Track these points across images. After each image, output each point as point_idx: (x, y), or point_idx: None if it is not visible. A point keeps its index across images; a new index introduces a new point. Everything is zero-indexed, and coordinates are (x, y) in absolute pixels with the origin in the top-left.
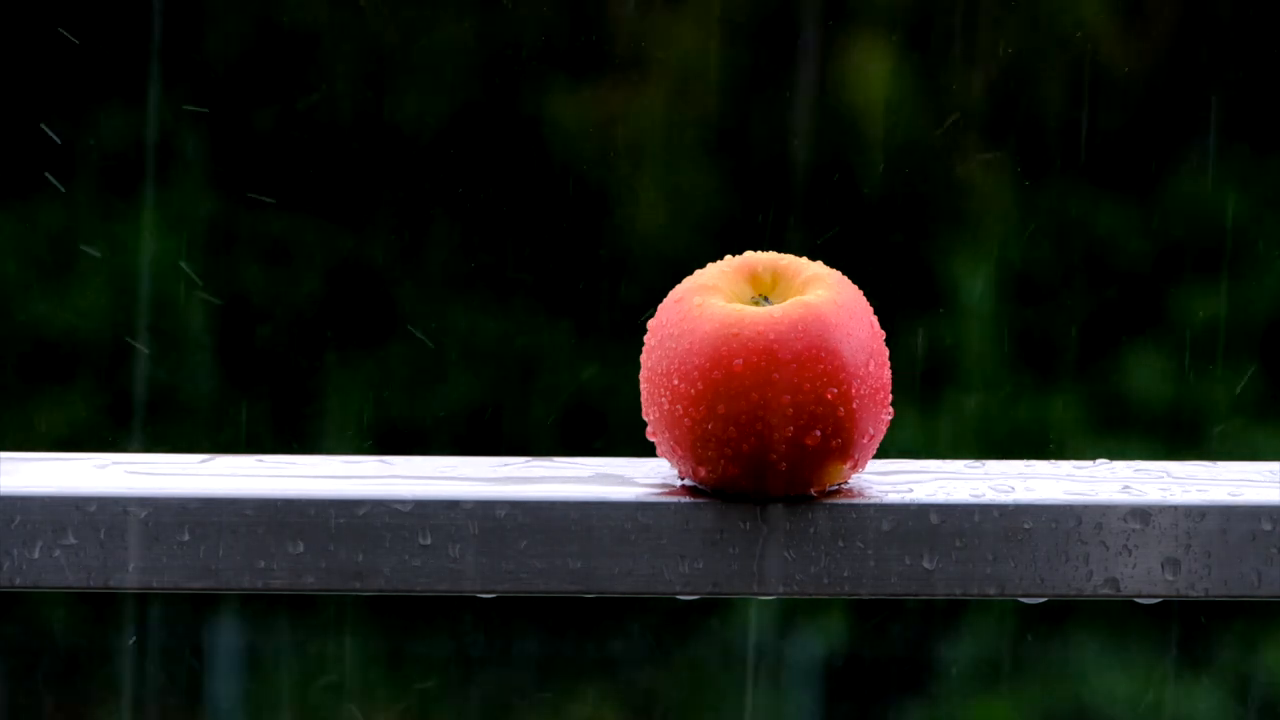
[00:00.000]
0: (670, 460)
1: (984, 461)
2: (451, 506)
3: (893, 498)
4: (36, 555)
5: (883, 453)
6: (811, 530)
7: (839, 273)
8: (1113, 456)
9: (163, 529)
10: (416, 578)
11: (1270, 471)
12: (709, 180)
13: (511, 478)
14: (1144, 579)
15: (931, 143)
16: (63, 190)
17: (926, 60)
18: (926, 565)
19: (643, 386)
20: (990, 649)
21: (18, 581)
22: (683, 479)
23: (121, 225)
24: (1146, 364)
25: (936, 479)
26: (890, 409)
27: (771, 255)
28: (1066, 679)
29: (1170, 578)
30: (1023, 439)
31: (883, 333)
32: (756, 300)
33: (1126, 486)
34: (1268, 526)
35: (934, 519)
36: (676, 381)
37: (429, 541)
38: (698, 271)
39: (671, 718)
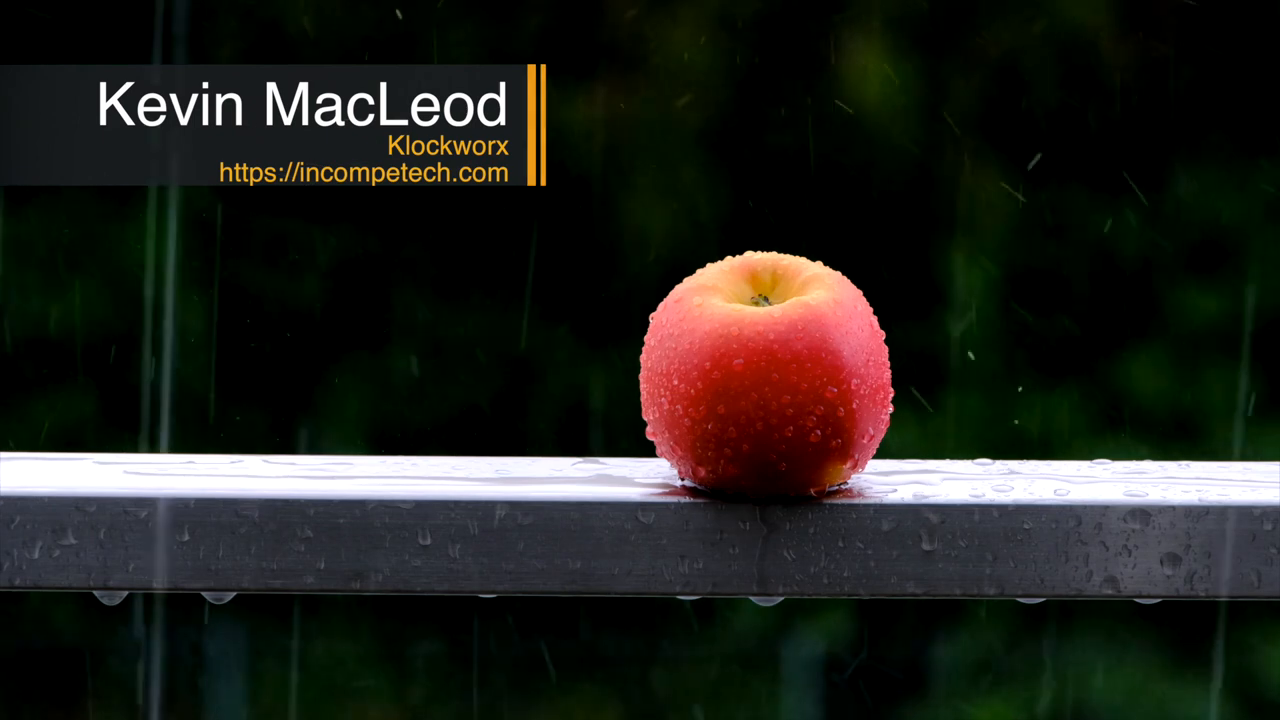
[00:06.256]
0: (670, 460)
1: (985, 461)
2: (451, 506)
3: (893, 498)
4: (36, 555)
5: (883, 453)
6: (811, 530)
7: (839, 273)
8: (1113, 456)
9: (163, 529)
10: (416, 578)
11: (1270, 471)
12: (709, 180)
13: (511, 478)
14: (1144, 579)
15: (932, 142)
16: (63, 189)
17: (927, 60)
18: (926, 566)
19: (643, 386)
20: (990, 649)
21: (18, 581)
22: (683, 479)
23: (121, 224)
24: (1146, 364)
25: (937, 479)
26: (890, 409)
27: (771, 255)
28: (1066, 679)
29: (1170, 578)
30: (1023, 439)
31: (882, 333)
32: (756, 300)
33: (1126, 486)
34: (1268, 526)
35: (934, 519)
36: (676, 381)
37: (429, 541)
38: (698, 271)
39: (671, 718)
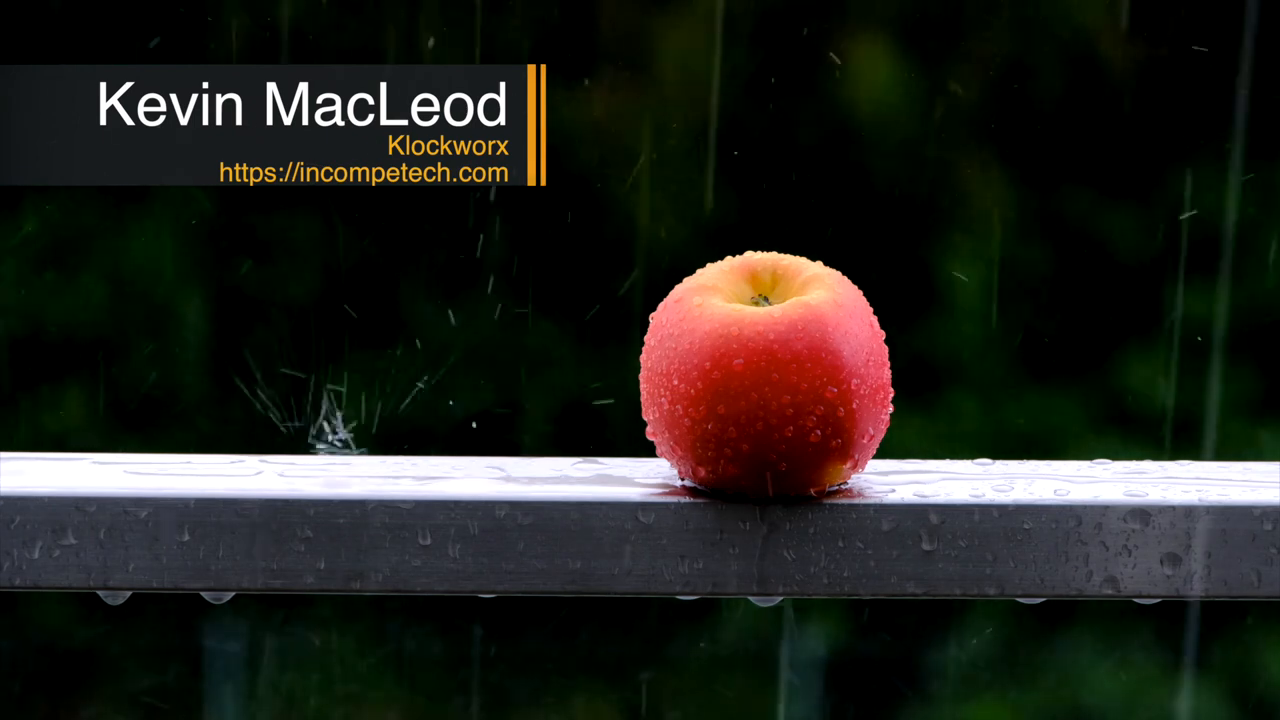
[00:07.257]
0: (670, 460)
1: (985, 461)
2: (451, 506)
3: (893, 498)
4: (36, 555)
5: (883, 452)
6: (811, 530)
7: (839, 273)
8: (1113, 456)
9: (163, 529)
10: (416, 578)
11: (1270, 471)
12: (709, 180)
13: (511, 477)
14: (1144, 579)
15: (931, 142)
16: (62, 189)
17: (927, 60)
18: (926, 566)
19: (643, 386)
20: (990, 649)
21: (18, 581)
22: (683, 479)
23: (121, 224)
24: (1146, 364)
25: (936, 479)
26: (890, 409)
27: (771, 255)
28: (1066, 680)
29: (1170, 578)
30: (1022, 439)
31: (882, 333)
32: (756, 300)
33: (1126, 486)
34: (1268, 526)
35: (934, 519)
36: (676, 381)
37: (429, 541)
38: (698, 271)
39: (670, 718)
